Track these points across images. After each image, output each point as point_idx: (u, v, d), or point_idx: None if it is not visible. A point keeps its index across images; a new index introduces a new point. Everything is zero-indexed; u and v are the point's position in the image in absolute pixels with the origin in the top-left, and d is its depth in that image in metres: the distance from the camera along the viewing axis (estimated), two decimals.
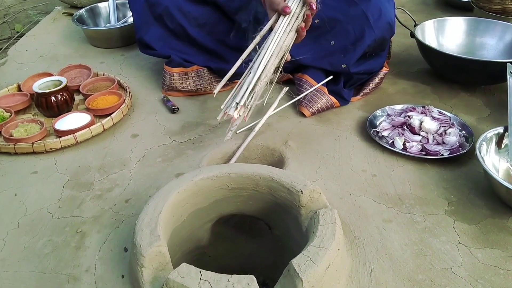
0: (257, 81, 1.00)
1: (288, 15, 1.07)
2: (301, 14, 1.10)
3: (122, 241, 0.93)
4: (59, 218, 1.00)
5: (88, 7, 1.88)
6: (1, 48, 2.06)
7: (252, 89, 0.99)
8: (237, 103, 0.98)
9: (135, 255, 0.78)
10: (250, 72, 1.02)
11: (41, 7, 2.57)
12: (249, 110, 1.01)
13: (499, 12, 1.71)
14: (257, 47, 1.08)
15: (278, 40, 1.04)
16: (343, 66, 1.35)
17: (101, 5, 1.90)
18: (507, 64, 1.24)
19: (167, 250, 0.79)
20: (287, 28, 1.09)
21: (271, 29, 1.09)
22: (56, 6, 2.13)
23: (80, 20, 1.80)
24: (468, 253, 0.91)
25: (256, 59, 1.03)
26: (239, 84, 1.01)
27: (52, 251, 0.92)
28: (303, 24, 1.11)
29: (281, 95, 1.34)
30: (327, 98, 1.34)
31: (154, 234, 0.79)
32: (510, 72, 1.22)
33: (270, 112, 1.29)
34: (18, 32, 2.22)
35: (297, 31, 1.10)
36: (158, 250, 0.77)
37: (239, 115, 0.99)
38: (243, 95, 0.99)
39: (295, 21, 1.11)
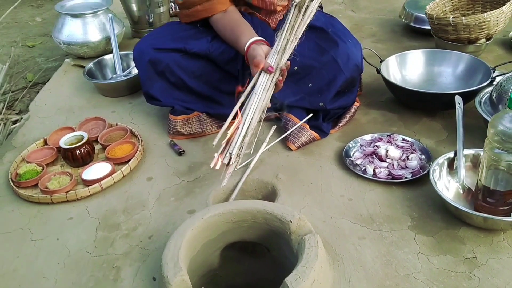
0: (244, 136, 1.25)
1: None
2: (279, 69, 1.36)
3: (151, 271, 1.17)
4: (96, 256, 1.24)
5: (95, 60, 2.12)
6: (18, 99, 2.29)
7: (241, 142, 1.25)
8: (231, 153, 1.23)
9: (164, 284, 1.02)
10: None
11: (48, 54, 2.79)
12: (239, 159, 1.26)
13: (455, 41, 1.95)
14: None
15: (259, 99, 1.30)
16: (321, 104, 1.59)
17: (107, 57, 2.15)
18: (456, 96, 1.49)
19: (188, 277, 1.03)
20: (267, 83, 1.35)
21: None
22: (66, 59, 2.36)
23: (90, 73, 2.04)
24: (426, 260, 1.15)
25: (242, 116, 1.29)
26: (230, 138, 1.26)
27: (95, 285, 1.16)
28: (280, 77, 1.37)
29: (270, 133, 1.58)
30: (309, 133, 1.59)
31: (177, 266, 1.03)
32: (459, 103, 1.48)
33: (262, 149, 1.53)
34: (30, 81, 2.45)
35: (275, 84, 1.35)
36: (181, 279, 1.01)
37: (232, 163, 1.24)
38: (234, 147, 1.24)
39: (274, 76, 1.36)
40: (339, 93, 1.60)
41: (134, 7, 2.45)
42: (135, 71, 2.02)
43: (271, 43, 1.48)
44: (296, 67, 1.58)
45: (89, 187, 1.44)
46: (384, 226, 1.26)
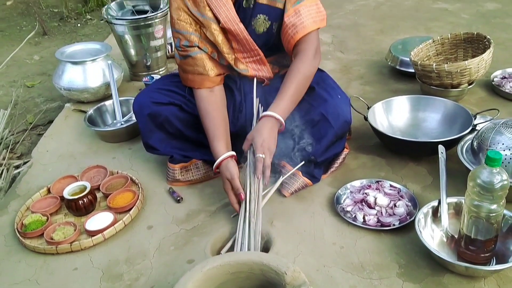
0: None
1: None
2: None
3: None
4: None
5: (95, 106, 2.20)
6: (18, 141, 2.37)
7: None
8: None
9: None
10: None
11: (47, 95, 2.87)
12: None
13: (439, 86, 2.06)
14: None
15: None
16: (312, 157, 1.67)
17: (107, 103, 2.23)
18: (439, 145, 1.59)
19: None
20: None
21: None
22: (66, 103, 2.44)
23: (90, 119, 2.13)
24: None
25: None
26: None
27: None
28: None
29: (273, 190, 1.63)
30: (302, 180, 1.67)
31: None
32: (441, 152, 1.57)
33: (263, 203, 1.59)
34: (31, 123, 2.52)
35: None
36: None
37: None
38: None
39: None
40: (329, 145, 1.69)
41: (132, 52, 2.55)
42: (134, 116, 2.10)
43: (262, 103, 1.66)
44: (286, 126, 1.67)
45: (93, 238, 1.51)
46: (374, 274, 1.34)
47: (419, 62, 2.08)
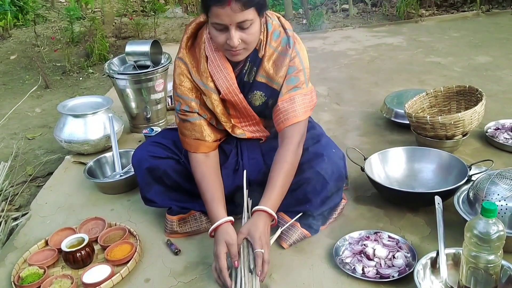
0: None
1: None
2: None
3: None
4: None
5: (95, 158, 2.23)
6: (17, 193, 2.37)
7: None
8: None
9: None
10: None
11: (48, 147, 2.90)
12: None
13: (433, 137, 2.10)
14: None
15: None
16: (309, 212, 1.68)
17: (107, 155, 2.26)
18: (435, 196, 1.60)
19: None
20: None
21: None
22: (66, 155, 2.47)
23: (90, 171, 2.15)
24: None
25: None
26: None
27: None
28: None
29: (273, 239, 1.64)
30: (300, 231, 1.67)
31: None
32: (438, 203, 1.58)
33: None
34: (30, 175, 2.54)
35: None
36: None
37: None
38: None
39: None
40: (325, 200, 1.69)
41: (132, 104, 2.61)
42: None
43: (257, 166, 1.73)
44: None
45: None
46: None
47: (413, 114, 2.13)
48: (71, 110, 2.42)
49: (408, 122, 2.31)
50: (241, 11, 1.40)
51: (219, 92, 1.64)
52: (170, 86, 2.87)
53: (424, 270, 1.42)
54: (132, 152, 1.85)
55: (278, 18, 1.67)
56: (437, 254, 1.45)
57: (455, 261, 1.46)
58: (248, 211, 1.64)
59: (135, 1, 6.33)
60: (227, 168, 1.76)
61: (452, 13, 4.97)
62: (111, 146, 2.28)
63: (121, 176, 2.12)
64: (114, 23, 5.48)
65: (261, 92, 1.66)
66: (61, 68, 4.44)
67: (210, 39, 1.60)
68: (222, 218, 1.53)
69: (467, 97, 2.27)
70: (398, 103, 2.49)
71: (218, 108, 1.66)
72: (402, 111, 2.36)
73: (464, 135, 2.13)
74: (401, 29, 4.51)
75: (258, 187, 1.67)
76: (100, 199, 2.07)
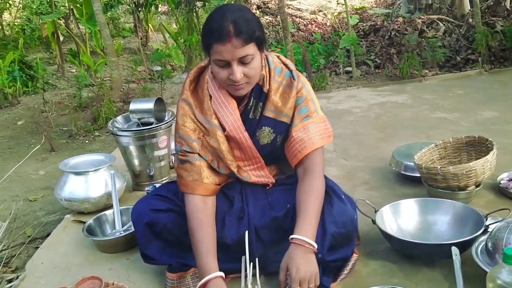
0: None
1: None
2: None
3: None
4: None
5: (95, 216, 2.16)
6: (15, 255, 2.28)
7: None
8: None
9: None
10: None
11: (49, 207, 2.83)
12: None
13: (446, 188, 2.02)
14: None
15: None
16: (319, 255, 1.58)
17: (107, 212, 2.19)
18: (452, 247, 1.51)
19: None
20: None
21: None
22: (66, 215, 2.41)
23: (89, 229, 2.07)
24: None
25: None
26: None
27: None
28: None
29: None
30: None
31: None
32: (455, 254, 1.48)
33: None
34: (29, 236, 2.46)
35: None
36: None
37: None
38: None
39: None
40: (336, 245, 1.61)
41: (135, 162, 2.56)
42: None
43: (263, 213, 1.66)
44: (289, 205, 1.65)
45: None
46: None
47: (424, 165, 2.06)
48: (72, 168, 2.38)
49: (418, 175, 2.25)
50: (242, 46, 1.42)
51: (223, 130, 1.61)
52: (173, 145, 2.85)
53: None
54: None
55: (278, 56, 1.69)
56: None
57: None
58: (249, 272, 1.53)
59: (144, 71, 6.47)
60: (231, 216, 1.69)
61: (455, 72, 5.01)
62: (112, 204, 2.21)
63: (120, 233, 2.03)
64: (122, 89, 5.58)
65: (269, 128, 1.64)
66: (67, 132, 4.46)
67: (213, 79, 1.60)
68: (214, 272, 1.49)
69: (477, 147, 2.21)
70: (407, 155, 2.42)
71: (224, 145, 1.62)
72: (412, 163, 2.30)
73: (477, 186, 2.05)
74: (405, 88, 4.53)
75: (267, 231, 1.63)
76: (98, 259, 1.98)
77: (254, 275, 1.54)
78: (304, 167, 1.61)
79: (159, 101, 2.61)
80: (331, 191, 1.65)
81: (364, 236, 1.89)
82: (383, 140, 3.08)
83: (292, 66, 1.66)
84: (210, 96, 1.61)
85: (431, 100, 3.98)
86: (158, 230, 1.67)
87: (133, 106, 2.58)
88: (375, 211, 1.84)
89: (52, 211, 2.76)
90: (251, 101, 1.62)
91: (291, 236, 1.50)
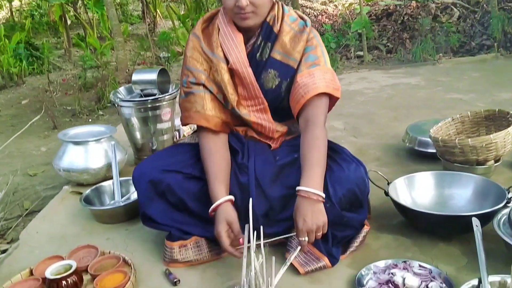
0: None
1: None
2: None
3: None
4: None
5: (93, 187, 2.07)
6: (11, 227, 2.20)
7: None
8: None
9: None
10: None
11: (49, 182, 2.75)
12: None
13: (463, 163, 1.90)
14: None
15: None
16: (328, 205, 1.46)
17: (106, 183, 2.10)
18: (473, 218, 1.39)
19: None
20: None
21: None
22: (64, 186, 2.32)
23: (87, 200, 1.97)
24: None
25: None
26: None
27: None
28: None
29: (294, 254, 1.45)
30: (323, 263, 1.45)
31: None
32: (476, 225, 1.37)
33: (279, 277, 1.38)
34: (26, 209, 2.37)
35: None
36: None
37: None
38: None
39: None
40: (346, 210, 1.51)
41: (137, 134, 2.46)
42: (134, 196, 1.96)
43: (269, 170, 1.59)
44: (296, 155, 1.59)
45: None
46: None
47: (440, 138, 1.95)
48: (72, 138, 2.28)
49: (432, 150, 2.14)
50: None
51: (227, 62, 1.58)
52: (178, 122, 2.75)
53: None
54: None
55: (295, 12, 1.67)
56: (479, 281, 1.23)
57: None
58: (252, 240, 1.43)
59: (150, 56, 6.35)
60: (232, 166, 1.61)
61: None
62: (112, 176, 2.12)
63: (120, 204, 1.94)
64: (127, 70, 5.49)
65: (275, 72, 1.60)
66: (71, 111, 4.38)
67: (223, 14, 1.60)
68: (222, 197, 1.49)
69: (497, 122, 2.09)
70: (421, 131, 2.31)
71: (225, 77, 1.59)
72: (426, 139, 2.19)
73: (496, 161, 1.94)
74: (418, 70, 4.40)
75: (271, 184, 1.57)
76: (96, 228, 1.89)
77: (258, 246, 1.45)
78: (305, 118, 1.55)
79: (163, 72, 2.51)
80: (341, 152, 1.58)
81: (375, 210, 1.78)
82: (396, 119, 2.96)
83: (307, 19, 1.62)
84: (219, 29, 1.60)
85: (446, 82, 3.85)
86: (161, 190, 1.56)
87: (135, 76, 2.47)
88: (388, 184, 1.73)
89: (52, 186, 2.68)
90: (259, 40, 1.60)
91: (297, 188, 1.44)
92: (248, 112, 1.63)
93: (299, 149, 1.54)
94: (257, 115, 1.64)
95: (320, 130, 1.53)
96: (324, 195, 1.43)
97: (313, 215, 1.39)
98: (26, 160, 3.23)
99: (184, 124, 1.67)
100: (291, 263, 1.46)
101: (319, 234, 1.42)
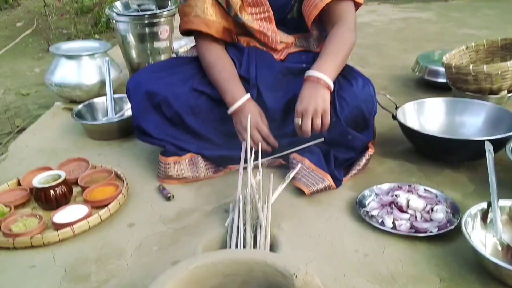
0: None
1: None
2: None
3: None
4: None
5: (86, 102, 1.97)
6: (1, 143, 2.13)
7: None
8: None
9: None
10: None
11: (41, 102, 2.67)
12: None
13: (476, 91, 1.80)
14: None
15: None
16: (334, 119, 1.40)
17: (99, 99, 2.00)
18: (485, 142, 1.31)
19: None
20: None
21: None
22: (56, 102, 2.22)
23: (79, 115, 1.88)
24: None
25: None
26: None
27: None
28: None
29: (294, 172, 1.40)
30: (328, 182, 1.38)
31: None
32: (489, 149, 1.29)
33: (276, 194, 1.32)
34: (18, 126, 2.30)
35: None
36: None
37: None
38: None
39: None
40: (351, 120, 1.43)
41: (133, 53, 2.34)
42: (128, 113, 1.87)
43: (270, 77, 1.49)
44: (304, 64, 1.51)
45: (59, 231, 1.23)
46: (409, 287, 1.04)
47: (453, 64, 1.83)
48: (65, 52, 2.16)
49: (442, 80, 2.04)
50: None
51: None
52: (176, 44, 2.62)
53: (473, 222, 1.13)
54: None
55: None
56: (489, 205, 1.16)
57: (511, 216, 1.17)
58: (250, 159, 1.35)
59: None
60: None
61: None
62: (106, 93, 2.02)
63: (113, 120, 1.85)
64: None
65: None
66: (66, 35, 4.21)
67: None
68: (244, 95, 1.45)
69: None
70: (431, 61, 2.19)
71: None
72: (437, 68, 2.08)
73: (510, 91, 1.83)
74: (429, 6, 4.20)
75: (273, 95, 1.47)
76: (87, 144, 1.81)
77: (256, 166, 1.38)
78: (332, 21, 1.45)
79: None
80: (351, 70, 1.47)
81: (380, 137, 1.69)
82: (405, 51, 2.83)
83: None
84: None
85: (458, 18, 3.68)
86: (156, 102, 1.47)
87: None
88: (396, 108, 1.64)
89: (45, 105, 2.59)
90: None
91: (305, 74, 1.37)
92: (250, 19, 1.51)
93: (306, 61, 1.44)
94: (261, 23, 1.52)
95: (350, 32, 1.44)
96: (332, 85, 1.35)
97: (311, 97, 1.33)
98: (19, 80, 3.13)
99: (182, 30, 1.55)
100: (296, 186, 1.40)
101: (317, 121, 1.33)
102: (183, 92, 1.48)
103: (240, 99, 1.44)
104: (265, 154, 1.47)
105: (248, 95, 1.46)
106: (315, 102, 1.32)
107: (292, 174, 1.38)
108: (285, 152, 1.47)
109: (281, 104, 1.46)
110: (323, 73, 1.34)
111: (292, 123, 1.39)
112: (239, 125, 1.46)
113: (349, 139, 1.42)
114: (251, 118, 1.41)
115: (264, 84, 1.48)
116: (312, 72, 1.35)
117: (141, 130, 1.50)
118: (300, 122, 1.35)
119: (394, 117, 1.58)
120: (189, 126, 1.49)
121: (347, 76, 1.46)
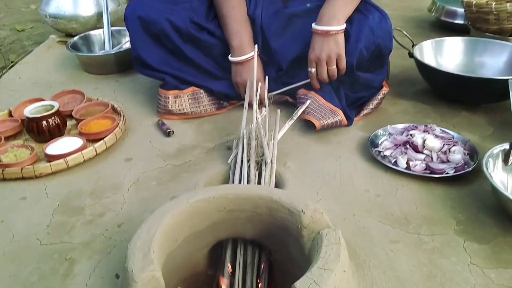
0: None
1: None
2: None
3: (114, 267, 0.88)
4: (47, 244, 0.95)
5: (82, 34, 1.86)
6: None
7: None
8: None
9: (126, 281, 0.73)
10: None
11: (36, 38, 2.56)
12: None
13: (497, 32, 1.69)
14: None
15: None
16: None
17: (96, 32, 1.89)
18: (509, 80, 1.22)
19: (161, 275, 0.74)
20: None
21: None
22: (51, 35, 2.11)
23: (75, 47, 1.78)
24: (480, 274, 0.86)
25: None
26: None
27: (39, 279, 0.86)
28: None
29: (304, 106, 1.32)
30: (340, 117, 1.30)
31: (147, 258, 0.74)
32: None
33: (284, 131, 1.24)
34: (12, 61, 2.20)
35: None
36: (151, 275, 0.72)
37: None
38: None
39: None
40: (365, 66, 1.34)
41: None
42: (126, 47, 1.76)
43: (273, 16, 1.38)
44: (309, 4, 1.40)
45: (52, 163, 1.16)
46: (423, 229, 0.97)
47: (474, 2, 1.71)
48: None
49: (459, 22, 1.93)
50: None
51: None
52: None
53: (494, 163, 1.06)
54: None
55: None
56: (511, 146, 1.08)
57: None
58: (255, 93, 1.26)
59: None
60: None
61: None
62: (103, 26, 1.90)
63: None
64: None
65: None
66: None
67: None
68: (252, 51, 1.34)
69: None
70: (448, 1, 2.07)
71: None
72: (455, 8, 1.97)
73: None
74: None
75: (274, 35, 1.37)
76: (83, 78, 1.72)
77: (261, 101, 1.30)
78: None
79: None
80: (364, 1, 1.35)
81: (393, 78, 1.60)
82: None
83: None
84: None
85: None
86: (154, 32, 1.35)
87: None
88: (413, 45, 1.54)
89: (41, 41, 2.47)
90: None
91: (312, 26, 1.28)
92: None
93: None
94: None
95: None
96: (344, 26, 1.26)
97: (324, 43, 1.25)
98: (14, 16, 3.02)
99: None
100: (305, 119, 1.31)
101: (333, 67, 1.26)
102: (184, 26, 1.35)
103: (249, 53, 1.34)
104: (271, 89, 1.38)
105: (256, 49, 1.33)
106: (328, 48, 1.25)
107: (301, 110, 1.29)
108: (293, 85, 1.37)
109: (290, 50, 1.36)
110: (331, 24, 1.24)
111: (299, 70, 1.32)
112: (238, 77, 1.37)
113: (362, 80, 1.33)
114: (253, 77, 1.29)
115: (269, 27, 1.37)
116: (319, 27, 1.25)
117: (140, 61, 1.39)
118: (313, 70, 1.27)
119: (411, 55, 1.48)
120: (191, 59, 1.38)
121: (361, 9, 1.35)
